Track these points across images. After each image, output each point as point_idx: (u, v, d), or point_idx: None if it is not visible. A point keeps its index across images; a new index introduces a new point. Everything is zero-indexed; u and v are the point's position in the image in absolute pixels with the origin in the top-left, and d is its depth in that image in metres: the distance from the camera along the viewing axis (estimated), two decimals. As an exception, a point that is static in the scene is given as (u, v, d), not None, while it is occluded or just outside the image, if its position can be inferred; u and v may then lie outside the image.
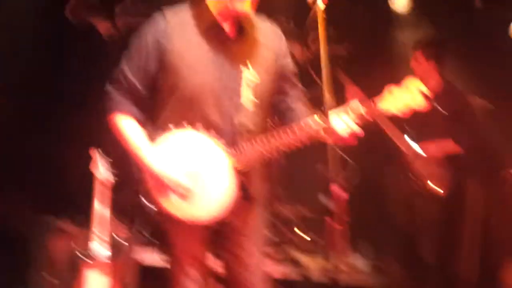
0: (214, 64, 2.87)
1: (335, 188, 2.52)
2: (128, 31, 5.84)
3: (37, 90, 5.70)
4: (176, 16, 2.93)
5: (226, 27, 2.93)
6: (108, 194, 4.15)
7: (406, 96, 2.86)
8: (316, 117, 2.85)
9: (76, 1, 5.81)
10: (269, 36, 3.03)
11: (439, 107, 5.31)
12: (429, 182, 5.33)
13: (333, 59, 5.38)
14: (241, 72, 2.89)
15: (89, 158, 4.23)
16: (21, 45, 5.59)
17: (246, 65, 2.90)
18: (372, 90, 5.48)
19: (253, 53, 2.94)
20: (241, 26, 2.94)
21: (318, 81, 2.71)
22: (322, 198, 2.57)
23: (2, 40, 5.41)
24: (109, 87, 2.98)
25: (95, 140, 4.40)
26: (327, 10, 2.74)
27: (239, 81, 2.89)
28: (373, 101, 2.88)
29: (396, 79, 5.95)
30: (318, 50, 2.70)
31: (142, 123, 2.97)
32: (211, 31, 2.91)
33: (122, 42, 5.68)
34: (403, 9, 6.43)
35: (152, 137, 2.93)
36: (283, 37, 3.08)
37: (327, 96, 2.65)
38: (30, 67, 5.63)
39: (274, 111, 3.12)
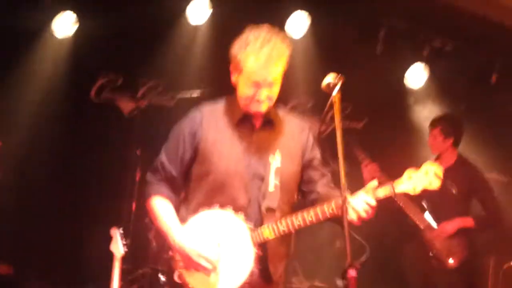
0: (244, 154, 3.10)
1: (351, 272, 2.55)
2: (149, 109, 6.09)
3: (57, 171, 5.87)
4: (211, 110, 3.18)
5: (255, 120, 3.15)
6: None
7: (424, 180, 2.94)
8: (334, 202, 2.94)
9: (101, 84, 6.02)
10: (296, 129, 3.23)
11: (454, 185, 5.37)
12: (445, 257, 5.32)
13: (351, 136, 5.55)
14: (268, 160, 3.09)
15: (108, 238, 4.30)
16: (44, 127, 5.82)
17: (273, 154, 3.10)
18: (389, 167, 5.62)
19: (279, 143, 3.15)
20: (269, 119, 3.16)
21: (334, 163, 2.80)
22: (339, 282, 2.60)
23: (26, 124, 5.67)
24: (149, 176, 3.23)
25: (114, 220, 4.51)
26: (345, 88, 2.85)
27: (266, 169, 3.08)
28: (392, 186, 2.95)
29: (414, 156, 6.12)
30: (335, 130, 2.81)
31: (176, 206, 3.18)
32: (241, 123, 3.14)
33: (143, 120, 5.99)
34: (419, 86, 6.53)
35: (184, 218, 3.15)
36: (310, 132, 3.25)
37: (343, 177, 2.71)
38: (52, 148, 5.81)
39: (305, 200, 3.24)
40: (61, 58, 5.93)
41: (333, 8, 5.82)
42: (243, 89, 3.05)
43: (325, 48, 6.08)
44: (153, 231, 5.18)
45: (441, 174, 2.95)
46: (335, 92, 2.83)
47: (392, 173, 5.57)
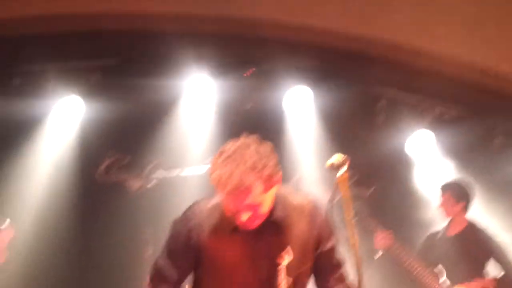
0: (249, 260, 2.89)
1: None
2: (157, 187, 6.14)
3: (67, 254, 5.94)
4: (208, 213, 2.92)
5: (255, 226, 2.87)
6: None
7: None
8: None
9: (108, 164, 6.08)
10: (309, 219, 2.96)
11: (468, 249, 5.38)
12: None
13: (360, 204, 5.57)
14: (277, 262, 2.86)
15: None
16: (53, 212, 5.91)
17: (282, 254, 2.86)
18: (399, 234, 5.63)
19: (288, 239, 2.89)
20: (271, 221, 2.88)
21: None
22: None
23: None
24: (148, 281, 3.06)
25: None
26: (353, 157, 2.89)
27: (275, 271, 2.86)
28: None
29: (420, 220, 6.14)
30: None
31: None
32: (241, 230, 2.86)
33: (151, 195, 6.04)
34: (421, 152, 6.60)
35: None
36: (323, 219, 2.99)
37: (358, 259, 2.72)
38: (61, 231, 5.87)
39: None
40: (67, 142, 6.05)
41: (333, 82, 5.92)
42: (226, 208, 2.81)
43: (327, 119, 6.17)
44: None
45: None
46: (339, 173, 2.84)
47: (403, 239, 5.67)
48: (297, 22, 4.83)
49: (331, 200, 2.95)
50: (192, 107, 6.11)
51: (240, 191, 2.65)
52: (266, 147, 2.78)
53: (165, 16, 4.79)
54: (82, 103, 5.94)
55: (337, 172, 2.87)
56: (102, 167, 6.13)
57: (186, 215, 2.95)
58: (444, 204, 5.72)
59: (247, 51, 5.29)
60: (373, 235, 5.70)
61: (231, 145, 2.74)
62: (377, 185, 6.55)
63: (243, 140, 2.78)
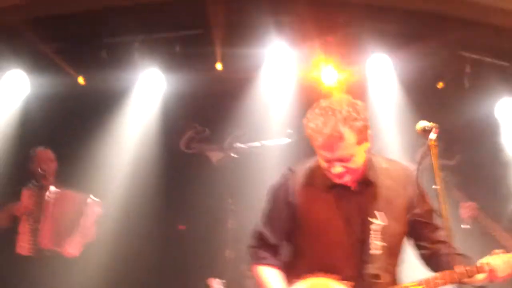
0: (343, 220, 2.98)
1: None
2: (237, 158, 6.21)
3: (152, 224, 6.10)
4: (303, 173, 3.08)
5: (350, 183, 3.00)
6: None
7: None
8: (481, 261, 2.91)
9: (190, 136, 6.20)
10: (399, 184, 3.04)
11: None
12: None
13: (447, 175, 5.43)
14: (369, 223, 2.95)
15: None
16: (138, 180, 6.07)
17: (374, 215, 2.96)
18: (486, 204, 5.47)
19: (381, 202, 2.99)
20: (365, 180, 3.01)
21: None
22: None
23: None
24: (251, 245, 3.21)
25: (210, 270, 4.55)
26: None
27: (367, 233, 2.95)
28: None
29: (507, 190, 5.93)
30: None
31: (281, 268, 3.14)
32: (336, 186, 3.00)
33: (232, 166, 6.12)
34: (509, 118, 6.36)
35: (290, 280, 3.09)
36: (416, 183, 3.02)
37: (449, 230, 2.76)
38: (146, 200, 6.02)
39: (419, 257, 3.15)
40: (152, 113, 6.20)
41: (413, 48, 5.77)
42: (320, 162, 2.97)
43: (410, 86, 6.05)
44: (251, 280, 5.20)
45: None
46: (432, 135, 2.85)
47: (488, 210, 5.51)
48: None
49: (419, 166, 2.91)
50: (272, 77, 6.11)
51: (333, 138, 2.81)
52: (359, 104, 2.94)
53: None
54: (164, 75, 6.06)
55: (427, 137, 2.88)
56: (184, 138, 6.27)
57: (283, 179, 3.12)
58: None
59: (330, 15, 5.21)
60: (459, 205, 5.57)
61: (326, 100, 2.94)
62: (464, 153, 6.39)
63: (337, 96, 3.00)
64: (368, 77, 6.13)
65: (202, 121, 6.25)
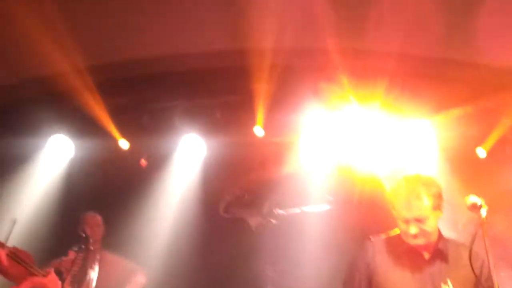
0: (416, 285, 3.25)
1: None
2: (276, 224, 6.22)
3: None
4: (382, 242, 3.44)
5: (424, 251, 3.33)
6: None
7: None
8: None
9: (229, 201, 6.28)
10: (467, 260, 3.19)
11: None
12: None
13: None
14: None
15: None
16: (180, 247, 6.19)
17: (446, 282, 3.22)
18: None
19: (452, 273, 3.26)
20: (439, 250, 3.32)
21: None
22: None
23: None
24: None
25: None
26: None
27: None
28: None
29: None
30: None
31: None
32: (409, 255, 3.32)
33: (271, 232, 6.13)
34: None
35: None
36: (484, 261, 3.23)
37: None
38: (187, 265, 6.08)
39: None
40: (192, 178, 6.34)
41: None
42: (398, 225, 3.33)
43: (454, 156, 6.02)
44: None
45: None
46: (483, 212, 2.95)
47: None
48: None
49: (473, 239, 3.01)
50: (312, 143, 6.15)
51: (412, 196, 3.22)
52: (433, 177, 3.40)
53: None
54: (204, 141, 6.19)
55: (477, 212, 2.98)
56: (223, 203, 6.35)
57: (362, 248, 3.44)
58: None
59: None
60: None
61: (409, 173, 3.43)
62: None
63: (417, 171, 3.45)
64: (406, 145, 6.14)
65: (241, 186, 6.33)
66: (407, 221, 3.23)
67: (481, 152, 6.10)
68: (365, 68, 5.05)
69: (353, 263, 3.45)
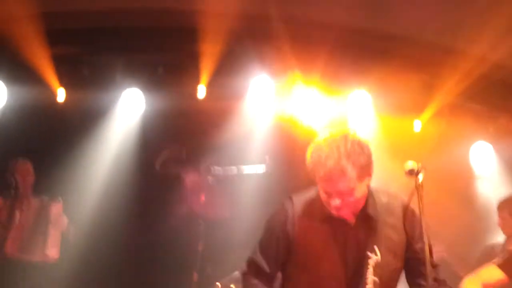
0: (340, 254, 3.07)
1: None
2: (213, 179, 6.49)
3: (123, 243, 6.42)
4: (303, 205, 3.17)
5: (348, 217, 3.08)
6: None
7: None
8: None
9: (166, 156, 6.47)
10: (400, 218, 3.12)
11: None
12: None
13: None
14: (366, 258, 3.04)
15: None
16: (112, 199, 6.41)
17: (372, 250, 3.04)
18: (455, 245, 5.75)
19: (379, 237, 3.07)
20: (364, 215, 3.08)
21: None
22: None
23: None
24: (245, 272, 3.29)
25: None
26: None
27: (364, 267, 3.04)
28: None
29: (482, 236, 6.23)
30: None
31: None
32: (332, 221, 3.08)
33: (205, 187, 6.36)
34: (483, 164, 6.72)
35: None
36: (417, 216, 3.08)
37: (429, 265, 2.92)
38: (118, 219, 6.36)
39: None
40: (130, 133, 6.53)
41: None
42: (320, 193, 3.07)
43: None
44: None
45: None
46: (420, 178, 2.96)
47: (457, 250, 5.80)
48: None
49: (407, 202, 3.09)
50: (253, 107, 6.45)
51: (335, 171, 2.91)
52: (363, 140, 3.04)
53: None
54: (145, 95, 6.39)
55: (415, 177, 3.00)
56: (160, 158, 6.55)
57: (281, 208, 3.21)
58: (501, 222, 5.80)
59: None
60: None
61: (331, 133, 3.04)
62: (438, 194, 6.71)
63: (342, 129, 3.09)
64: (349, 113, 6.49)
65: (179, 142, 6.55)
66: (328, 193, 2.99)
67: (417, 125, 6.51)
68: (307, 37, 5.26)
69: (271, 223, 3.21)
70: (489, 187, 6.73)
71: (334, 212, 3.03)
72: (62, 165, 6.30)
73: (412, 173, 2.98)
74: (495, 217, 5.96)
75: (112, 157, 6.51)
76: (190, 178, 6.65)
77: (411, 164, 2.99)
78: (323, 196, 3.03)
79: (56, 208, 6.00)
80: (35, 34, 5.45)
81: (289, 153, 6.22)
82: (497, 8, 4.95)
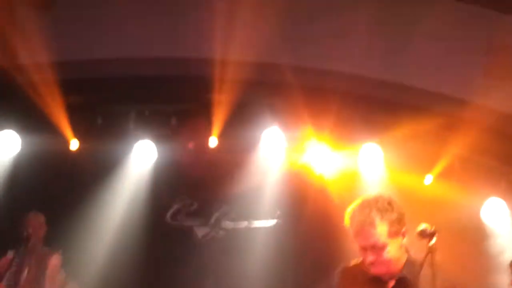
0: None
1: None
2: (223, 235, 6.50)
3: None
4: (345, 271, 3.36)
5: (387, 279, 3.21)
6: None
7: None
8: None
9: (177, 208, 6.52)
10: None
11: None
12: None
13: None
14: None
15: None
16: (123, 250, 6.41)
17: None
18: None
19: None
20: (401, 278, 3.20)
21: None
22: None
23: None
24: None
25: None
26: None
27: None
28: None
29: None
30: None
31: None
32: (372, 284, 3.22)
33: (217, 244, 6.36)
34: (495, 219, 6.72)
35: None
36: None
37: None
38: (129, 269, 6.32)
39: None
40: (141, 185, 6.58)
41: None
42: (358, 252, 3.22)
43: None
44: None
45: None
46: (433, 240, 3.05)
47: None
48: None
49: (421, 264, 3.11)
50: (265, 160, 6.48)
51: (365, 224, 3.11)
52: (394, 200, 3.22)
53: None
54: (156, 146, 6.46)
55: (427, 240, 3.08)
56: (171, 210, 6.60)
57: (333, 278, 3.39)
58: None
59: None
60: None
61: (365, 195, 3.26)
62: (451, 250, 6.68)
63: (378, 193, 3.33)
64: (360, 167, 6.51)
65: (191, 194, 6.59)
66: (364, 248, 3.14)
67: (428, 179, 6.54)
68: (318, 88, 5.35)
69: None
70: (502, 244, 6.70)
71: (369, 269, 3.16)
72: (72, 215, 6.33)
73: (423, 234, 3.06)
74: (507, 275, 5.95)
75: (123, 209, 6.53)
76: (201, 231, 6.68)
77: (422, 226, 3.08)
78: (360, 253, 3.18)
79: (54, 260, 5.97)
80: (49, 83, 5.58)
81: (300, 205, 6.27)
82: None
